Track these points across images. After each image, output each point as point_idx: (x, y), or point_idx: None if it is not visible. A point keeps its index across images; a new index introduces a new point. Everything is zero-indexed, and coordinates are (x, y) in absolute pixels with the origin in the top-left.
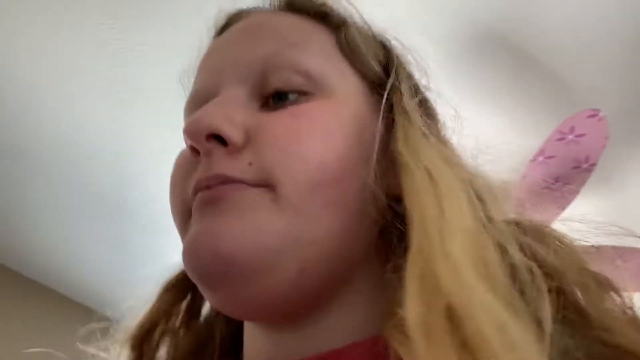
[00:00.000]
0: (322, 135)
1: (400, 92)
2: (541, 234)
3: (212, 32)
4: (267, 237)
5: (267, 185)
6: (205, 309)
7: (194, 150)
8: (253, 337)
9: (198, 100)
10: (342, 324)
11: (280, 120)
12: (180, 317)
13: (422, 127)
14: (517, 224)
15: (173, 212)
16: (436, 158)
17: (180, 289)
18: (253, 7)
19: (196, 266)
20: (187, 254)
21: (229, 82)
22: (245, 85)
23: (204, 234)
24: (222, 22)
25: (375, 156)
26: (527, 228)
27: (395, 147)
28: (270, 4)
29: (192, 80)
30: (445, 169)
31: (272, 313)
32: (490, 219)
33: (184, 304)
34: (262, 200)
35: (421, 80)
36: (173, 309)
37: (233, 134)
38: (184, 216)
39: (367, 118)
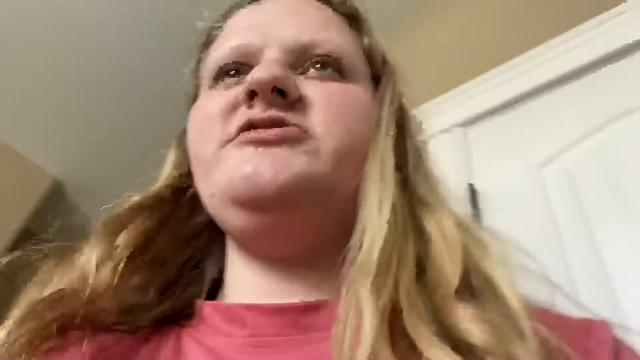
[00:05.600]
0: (361, 113)
1: (385, 98)
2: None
3: None
4: (316, 179)
5: (313, 138)
6: None
7: (249, 96)
8: (250, 273)
9: (242, 51)
10: (327, 279)
11: (335, 90)
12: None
13: (388, 132)
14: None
15: (202, 144)
16: (387, 163)
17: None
18: None
19: (253, 191)
20: (242, 179)
21: (275, 48)
22: (290, 55)
23: (263, 167)
24: None
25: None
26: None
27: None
28: None
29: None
30: (385, 175)
31: (295, 245)
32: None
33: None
34: (311, 149)
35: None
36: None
37: (295, 91)
38: (217, 147)
39: (372, 106)
